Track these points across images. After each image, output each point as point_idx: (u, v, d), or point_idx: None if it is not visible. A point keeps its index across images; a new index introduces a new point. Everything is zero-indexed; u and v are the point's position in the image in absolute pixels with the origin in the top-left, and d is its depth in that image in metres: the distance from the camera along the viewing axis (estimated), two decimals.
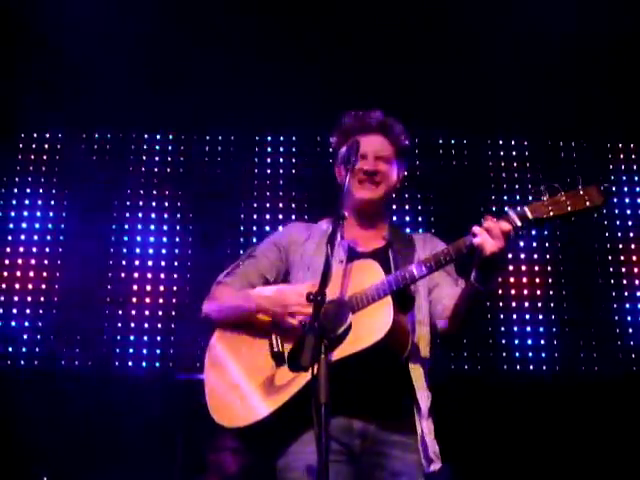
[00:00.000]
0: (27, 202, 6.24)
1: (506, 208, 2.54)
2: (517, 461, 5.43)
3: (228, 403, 2.69)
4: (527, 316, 6.10)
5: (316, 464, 2.08)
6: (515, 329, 6.08)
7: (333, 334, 2.50)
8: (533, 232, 6.09)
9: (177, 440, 5.02)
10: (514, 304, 6.12)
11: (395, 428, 2.63)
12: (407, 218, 6.24)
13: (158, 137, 6.39)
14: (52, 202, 6.25)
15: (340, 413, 2.51)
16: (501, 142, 6.48)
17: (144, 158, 6.32)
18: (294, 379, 2.55)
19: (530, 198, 2.55)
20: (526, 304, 6.13)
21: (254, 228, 6.18)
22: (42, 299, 5.98)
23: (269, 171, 6.35)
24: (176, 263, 6.10)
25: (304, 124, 6.20)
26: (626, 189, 6.40)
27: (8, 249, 6.10)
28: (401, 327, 2.61)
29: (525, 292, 6.15)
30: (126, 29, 5.46)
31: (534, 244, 6.27)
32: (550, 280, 6.20)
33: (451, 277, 2.88)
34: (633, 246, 6.28)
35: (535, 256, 6.24)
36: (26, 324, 5.92)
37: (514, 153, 6.45)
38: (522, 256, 6.21)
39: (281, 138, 6.42)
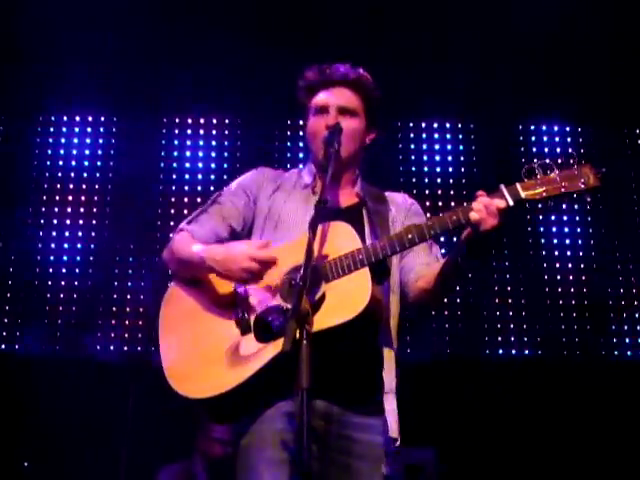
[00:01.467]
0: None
1: (500, 185, 2.42)
2: (504, 446, 5.43)
3: (189, 371, 2.50)
4: None
5: (280, 442, 2.03)
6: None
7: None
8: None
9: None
10: None
11: (360, 410, 2.51)
12: None
13: None
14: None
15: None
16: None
17: None
18: (260, 351, 2.41)
19: (522, 175, 2.42)
20: None
21: None
22: None
23: None
24: None
25: None
26: None
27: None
28: (376, 300, 2.46)
29: None
30: None
31: None
32: None
33: (426, 243, 2.69)
34: None
35: None
36: None
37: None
38: None
39: None
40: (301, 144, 6.20)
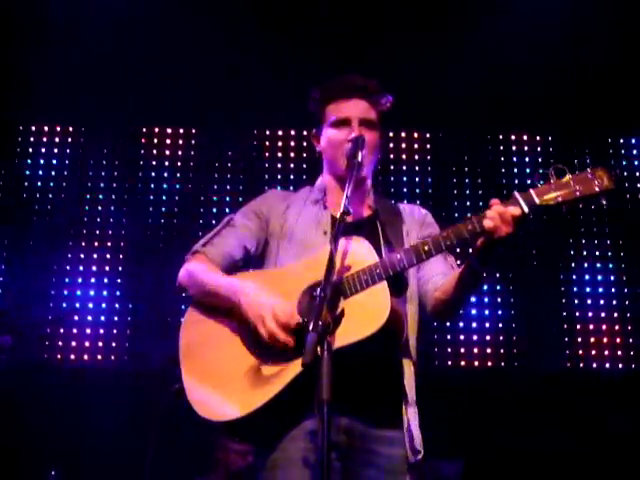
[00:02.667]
0: None
1: (514, 192, 2.39)
2: (527, 460, 5.36)
3: (211, 394, 2.50)
4: None
5: (304, 461, 2.03)
6: None
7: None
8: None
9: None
10: None
11: (382, 423, 2.50)
12: None
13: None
14: None
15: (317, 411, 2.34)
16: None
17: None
18: (282, 371, 2.41)
19: (536, 181, 2.40)
20: None
21: None
22: None
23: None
24: None
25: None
26: None
27: None
28: (397, 313, 2.45)
29: None
30: None
31: None
32: None
33: (440, 254, 2.67)
34: None
35: None
36: None
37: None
38: None
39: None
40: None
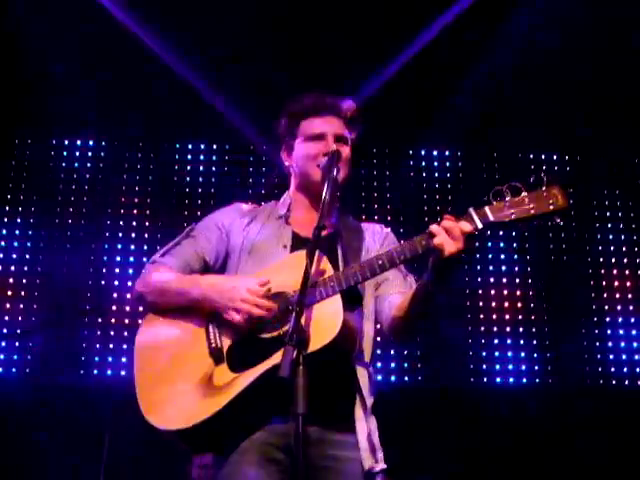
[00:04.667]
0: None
1: (469, 209, 2.40)
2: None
3: (162, 401, 2.49)
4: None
5: (257, 474, 2.03)
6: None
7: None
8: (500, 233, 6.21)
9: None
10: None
11: (337, 428, 2.52)
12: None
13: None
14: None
15: (281, 415, 2.40)
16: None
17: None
18: (234, 380, 2.41)
19: (490, 197, 2.40)
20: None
21: None
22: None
23: None
24: None
25: None
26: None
27: None
28: (349, 326, 2.48)
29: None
30: None
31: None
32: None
33: (400, 272, 2.74)
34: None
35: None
36: None
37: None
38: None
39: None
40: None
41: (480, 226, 2.37)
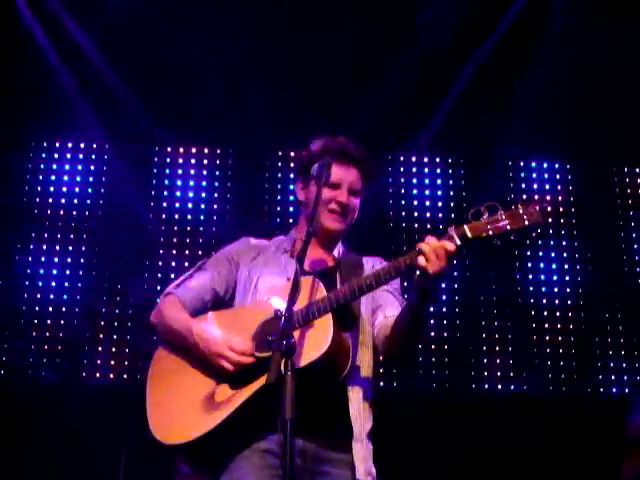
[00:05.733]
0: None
1: (448, 228, 2.55)
2: None
3: (168, 420, 2.69)
4: None
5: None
6: None
7: None
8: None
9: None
10: None
11: (332, 447, 2.66)
12: None
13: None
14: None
15: (277, 431, 2.53)
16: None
17: None
18: (233, 396, 2.59)
19: (469, 217, 2.55)
20: None
21: None
22: None
23: None
24: None
25: None
26: None
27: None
28: (341, 347, 2.62)
29: None
30: None
31: None
32: None
33: (397, 299, 2.89)
34: None
35: None
36: None
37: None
38: None
39: None
40: (291, 175, 6.35)
41: (459, 243, 2.51)
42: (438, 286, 2.58)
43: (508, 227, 2.52)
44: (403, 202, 6.52)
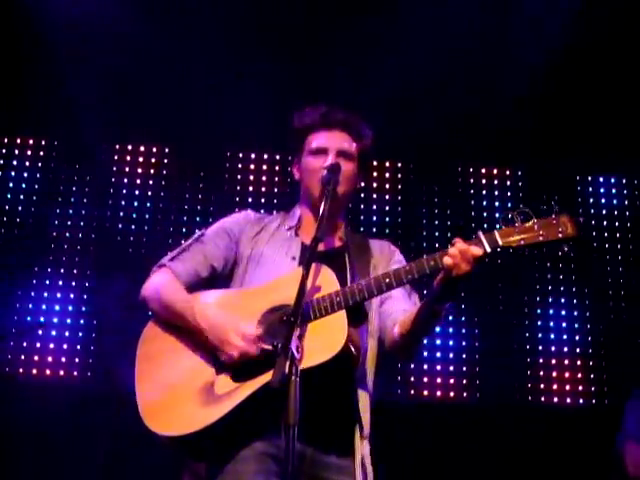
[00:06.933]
0: None
1: (478, 232, 2.43)
2: None
3: (162, 407, 2.51)
4: None
5: None
6: None
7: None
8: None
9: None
10: None
11: (333, 451, 2.52)
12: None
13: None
14: None
15: (279, 433, 2.34)
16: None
17: None
18: (235, 390, 2.43)
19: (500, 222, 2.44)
20: None
21: None
22: None
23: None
24: None
25: None
26: None
27: None
28: (354, 343, 2.49)
29: None
30: None
31: None
32: None
33: (405, 290, 2.75)
34: None
35: None
36: None
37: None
38: None
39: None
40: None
41: (489, 250, 2.40)
42: (460, 287, 2.44)
43: (541, 238, 2.40)
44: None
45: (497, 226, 2.44)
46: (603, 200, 6.42)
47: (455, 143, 6.09)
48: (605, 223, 6.33)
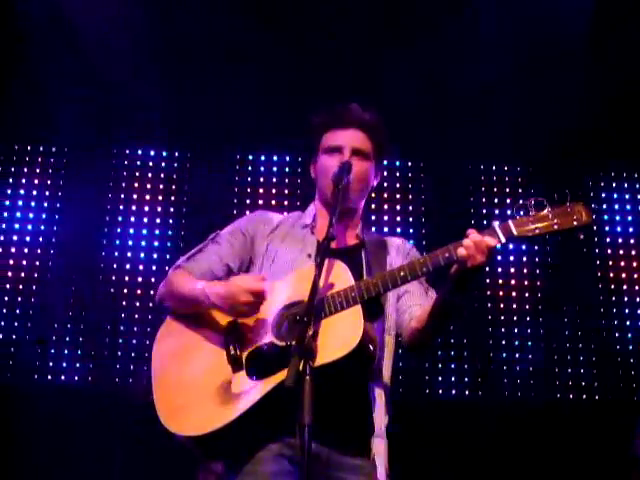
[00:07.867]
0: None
1: (493, 222, 2.43)
2: None
3: (179, 406, 2.51)
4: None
5: None
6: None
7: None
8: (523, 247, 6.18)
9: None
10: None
11: (348, 451, 2.50)
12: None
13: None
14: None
15: (294, 433, 2.35)
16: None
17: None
18: (252, 388, 2.42)
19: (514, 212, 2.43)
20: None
21: None
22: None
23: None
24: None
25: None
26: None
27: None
28: (370, 337, 2.46)
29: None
30: None
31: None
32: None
33: (422, 285, 2.75)
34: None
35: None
36: None
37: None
38: None
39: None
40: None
41: (504, 240, 2.39)
42: (474, 279, 2.44)
43: (556, 227, 2.40)
44: None
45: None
46: None
47: None
48: None
